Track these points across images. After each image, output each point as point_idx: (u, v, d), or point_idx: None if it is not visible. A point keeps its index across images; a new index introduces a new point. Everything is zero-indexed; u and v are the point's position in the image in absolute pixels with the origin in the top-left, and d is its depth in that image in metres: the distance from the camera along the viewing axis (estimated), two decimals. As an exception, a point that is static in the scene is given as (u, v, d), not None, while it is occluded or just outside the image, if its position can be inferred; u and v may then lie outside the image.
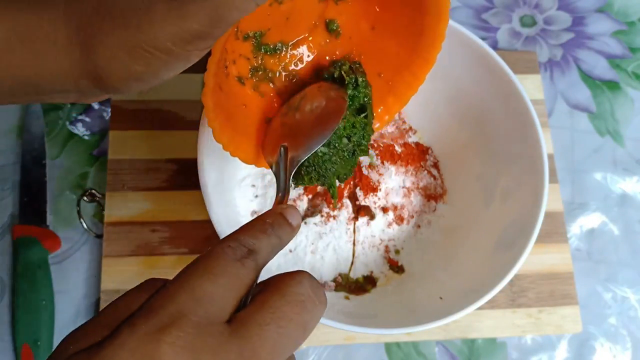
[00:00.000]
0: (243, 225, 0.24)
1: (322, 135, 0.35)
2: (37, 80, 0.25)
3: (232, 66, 0.35)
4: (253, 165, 0.44)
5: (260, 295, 0.21)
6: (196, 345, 0.19)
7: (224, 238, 0.23)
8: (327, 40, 0.38)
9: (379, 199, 0.47)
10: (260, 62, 0.36)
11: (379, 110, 0.39)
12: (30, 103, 0.26)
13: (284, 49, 0.37)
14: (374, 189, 0.47)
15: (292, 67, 0.38)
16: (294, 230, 0.25)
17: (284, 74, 0.38)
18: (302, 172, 0.38)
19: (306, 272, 0.23)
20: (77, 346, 0.19)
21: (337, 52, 0.38)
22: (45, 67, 0.24)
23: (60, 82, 0.25)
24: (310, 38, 0.38)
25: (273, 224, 0.24)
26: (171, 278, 0.21)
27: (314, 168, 0.38)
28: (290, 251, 0.45)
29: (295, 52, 0.38)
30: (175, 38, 0.23)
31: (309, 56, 0.38)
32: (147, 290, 0.21)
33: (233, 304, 0.21)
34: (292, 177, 0.38)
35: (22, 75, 0.24)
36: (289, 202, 0.33)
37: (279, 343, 0.20)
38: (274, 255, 0.23)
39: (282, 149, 0.33)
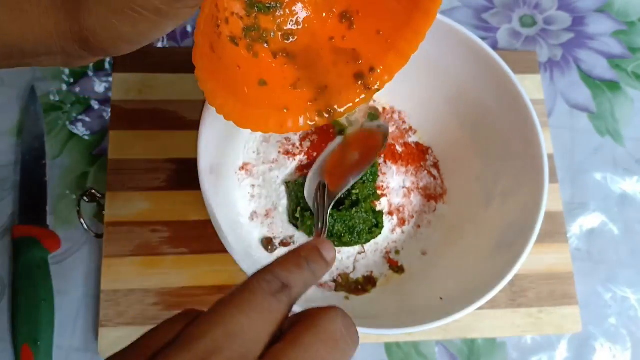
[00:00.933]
0: (278, 258, 0.23)
1: (358, 175, 0.40)
2: (21, 43, 0.24)
3: (224, 25, 0.33)
4: (252, 162, 0.45)
5: (293, 331, 0.21)
6: None
7: (259, 271, 0.22)
8: None
9: (384, 201, 0.48)
10: (254, 21, 0.35)
11: (378, 70, 0.38)
12: (16, 67, 0.25)
13: (278, 6, 0.36)
14: (381, 196, 0.47)
15: (288, 26, 0.37)
16: (328, 265, 0.24)
17: (279, 33, 0.37)
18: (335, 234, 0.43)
19: (339, 308, 0.22)
20: None
21: (335, 9, 0.37)
22: (28, 29, 0.23)
23: (45, 45, 0.24)
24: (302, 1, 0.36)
25: (308, 258, 0.23)
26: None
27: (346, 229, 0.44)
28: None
29: (290, 9, 0.37)
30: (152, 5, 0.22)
31: (305, 13, 0.37)
32: (182, 321, 0.21)
33: (266, 339, 0.20)
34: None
35: (5, 38, 0.24)
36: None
37: None
38: (307, 290, 0.23)
39: (320, 185, 0.37)
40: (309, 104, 0.37)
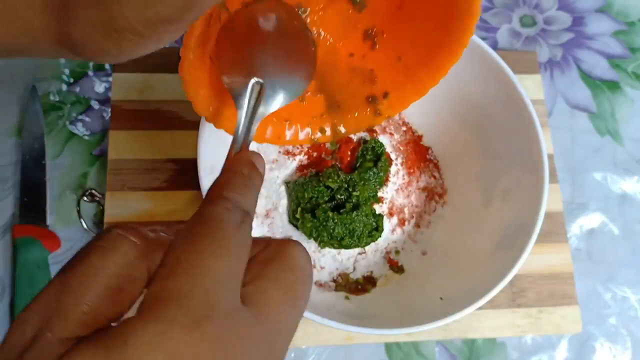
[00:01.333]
0: (222, 179, 0.22)
1: (299, 75, 0.31)
2: (12, 42, 0.23)
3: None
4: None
5: (269, 266, 0.19)
6: (231, 339, 0.16)
7: (213, 199, 0.20)
8: (350, 12, 0.35)
9: (384, 203, 0.48)
10: None
11: (392, 97, 0.37)
12: (3, 57, 0.25)
13: (306, 12, 0.34)
14: (381, 199, 0.47)
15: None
16: (262, 179, 0.23)
17: None
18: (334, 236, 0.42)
19: (299, 242, 0.21)
20: (55, 332, 0.16)
21: (360, 26, 0.36)
22: (21, 30, 0.23)
23: (37, 46, 0.24)
24: (326, 12, 0.35)
25: (250, 176, 0.22)
26: None
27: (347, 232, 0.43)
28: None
29: (317, 16, 0.35)
30: (143, 21, 0.21)
31: (330, 24, 0.35)
32: (121, 253, 0.18)
33: (242, 279, 0.19)
34: (318, 239, 0.42)
35: None
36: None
37: (294, 321, 0.19)
38: None
39: (254, 83, 0.29)
40: (314, 119, 0.36)
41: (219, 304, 0.16)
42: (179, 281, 0.17)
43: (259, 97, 0.29)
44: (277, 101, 0.30)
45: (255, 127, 0.28)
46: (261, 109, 0.29)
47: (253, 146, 0.47)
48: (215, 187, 0.21)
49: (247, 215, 0.20)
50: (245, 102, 0.29)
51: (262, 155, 0.46)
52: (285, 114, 0.35)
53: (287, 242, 0.21)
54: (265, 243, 0.21)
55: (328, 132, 0.37)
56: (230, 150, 0.26)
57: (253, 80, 0.29)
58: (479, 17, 0.31)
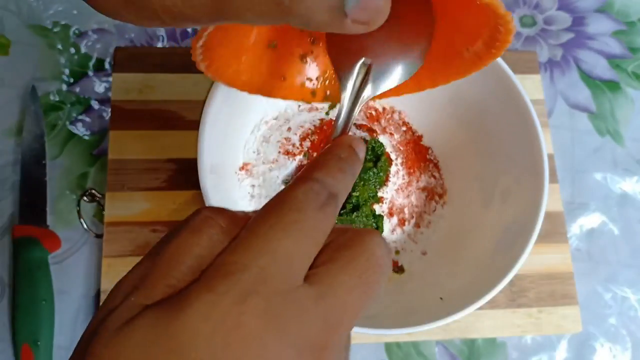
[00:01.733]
0: (317, 161, 0.21)
1: (409, 56, 0.28)
2: None
3: None
4: (252, 162, 0.45)
5: (343, 251, 0.19)
6: (282, 315, 0.17)
7: (302, 179, 0.20)
8: None
9: (384, 203, 0.48)
10: None
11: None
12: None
13: None
14: (381, 199, 0.47)
15: None
16: (361, 165, 0.23)
17: None
18: None
19: (380, 233, 0.21)
20: (140, 296, 0.17)
21: None
22: None
23: None
24: None
25: (348, 160, 0.21)
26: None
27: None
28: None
29: None
30: (165, 9, 0.20)
31: None
32: (208, 231, 0.18)
33: (313, 259, 0.19)
34: None
35: None
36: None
37: (359, 309, 0.19)
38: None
39: (362, 64, 0.27)
40: (309, 81, 0.35)
41: (272, 281, 0.17)
42: (238, 255, 0.17)
43: (366, 79, 0.27)
44: (386, 84, 0.28)
45: (358, 110, 0.27)
46: (366, 93, 0.27)
47: (254, 146, 0.47)
48: (307, 168, 0.21)
49: (333, 198, 0.20)
50: (350, 85, 0.27)
51: (262, 155, 0.47)
52: (282, 71, 0.34)
53: (366, 230, 0.20)
54: (344, 230, 0.20)
55: (319, 96, 0.36)
56: (332, 133, 0.25)
57: (360, 62, 0.28)
58: (502, 51, 0.29)
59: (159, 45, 0.54)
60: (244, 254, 0.17)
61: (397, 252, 0.47)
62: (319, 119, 0.48)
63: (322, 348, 0.17)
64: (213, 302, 0.16)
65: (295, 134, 0.47)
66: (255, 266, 0.17)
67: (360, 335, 0.46)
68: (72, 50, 0.53)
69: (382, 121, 0.50)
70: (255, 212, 0.20)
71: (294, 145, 0.47)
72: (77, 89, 0.52)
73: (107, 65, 0.53)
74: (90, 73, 0.53)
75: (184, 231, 0.19)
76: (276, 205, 0.19)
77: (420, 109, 0.50)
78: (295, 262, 0.18)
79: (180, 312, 0.16)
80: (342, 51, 0.28)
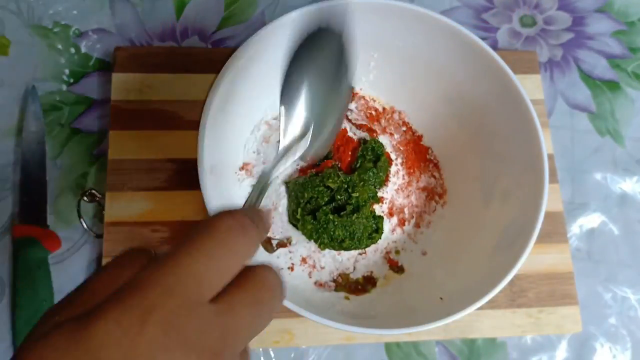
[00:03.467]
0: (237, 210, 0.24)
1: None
2: None
3: None
4: (252, 162, 0.45)
5: (243, 278, 0.22)
6: (184, 325, 0.19)
7: (224, 215, 0.23)
8: None
9: (384, 203, 0.48)
10: None
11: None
12: None
13: None
14: (381, 199, 0.47)
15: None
16: (266, 232, 0.26)
17: None
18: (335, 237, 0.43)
19: (272, 266, 0.24)
20: (63, 316, 0.20)
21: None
22: None
23: None
24: None
25: (260, 221, 0.25)
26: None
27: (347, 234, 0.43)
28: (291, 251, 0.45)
29: None
30: None
31: None
32: (131, 264, 0.22)
33: (224, 282, 0.22)
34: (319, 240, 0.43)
35: None
36: None
37: (255, 323, 0.22)
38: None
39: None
40: None
41: (178, 297, 0.20)
42: (149, 273, 0.20)
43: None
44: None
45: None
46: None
47: (254, 146, 0.47)
48: (232, 211, 0.24)
49: (251, 228, 0.23)
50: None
51: (262, 155, 0.47)
52: None
53: (262, 265, 0.24)
54: (249, 266, 0.24)
55: None
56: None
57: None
58: None
59: (159, 45, 0.54)
60: (155, 273, 0.20)
61: (397, 252, 0.47)
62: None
63: (218, 354, 0.20)
64: (122, 312, 0.19)
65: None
66: (163, 284, 0.20)
67: (360, 335, 0.46)
68: (72, 50, 0.53)
69: (382, 121, 0.50)
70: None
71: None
72: (77, 89, 0.52)
73: (107, 65, 0.53)
74: (90, 73, 0.52)
75: (110, 265, 0.22)
76: (193, 234, 0.22)
77: (420, 109, 0.50)
78: (203, 283, 0.21)
79: (94, 320, 0.18)
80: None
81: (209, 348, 0.20)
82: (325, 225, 0.43)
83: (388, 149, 0.49)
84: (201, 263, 0.21)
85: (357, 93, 0.50)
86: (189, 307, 0.20)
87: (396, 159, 0.49)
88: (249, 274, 0.23)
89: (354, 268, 0.46)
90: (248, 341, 0.22)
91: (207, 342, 0.20)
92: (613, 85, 0.59)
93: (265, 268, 0.24)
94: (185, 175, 0.48)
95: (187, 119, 0.50)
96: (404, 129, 0.51)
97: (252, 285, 0.22)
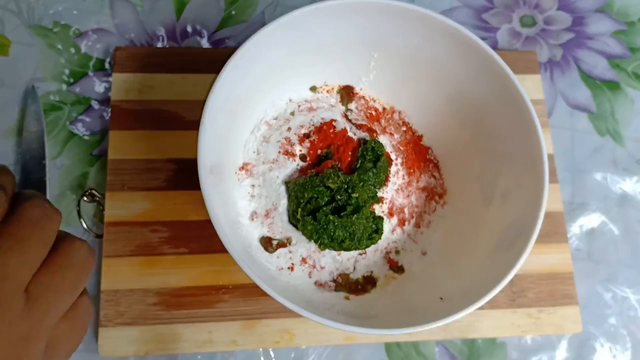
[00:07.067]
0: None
1: None
2: None
3: None
4: (252, 162, 0.46)
5: (49, 260, 0.25)
6: None
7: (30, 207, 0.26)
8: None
9: (384, 203, 0.48)
10: None
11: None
12: None
13: None
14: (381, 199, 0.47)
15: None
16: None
17: None
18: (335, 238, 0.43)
19: (85, 241, 0.27)
20: None
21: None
22: None
23: None
24: None
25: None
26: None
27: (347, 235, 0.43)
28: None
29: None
30: None
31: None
32: None
33: (34, 269, 0.24)
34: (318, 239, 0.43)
35: None
36: None
37: (66, 301, 0.25)
38: None
39: None
40: None
41: None
42: None
43: None
44: None
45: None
46: None
47: (254, 146, 0.47)
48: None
49: (41, 224, 0.25)
50: None
51: (262, 155, 0.47)
52: None
53: (72, 238, 0.27)
54: (57, 242, 0.26)
55: None
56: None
57: None
58: None
59: (159, 45, 0.54)
60: None
61: (397, 252, 0.47)
62: (320, 119, 0.48)
63: (29, 338, 0.23)
64: None
65: (295, 134, 0.47)
66: None
67: (360, 335, 0.46)
68: (72, 50, 0.53)
69: (382, 121, 0.50)
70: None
71: (293, 145, 0.47)
72: (77, 89, 0.52)
73: (107, 65, 0.53)
74: (90, 73, 0.53)
75: None
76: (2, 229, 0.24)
77: (420, 109, 0.50)
78: (10, 277, 0.23)
79: None
80: None
81: (21, 334, 0.23)
82: (325, 226, 0.43)
83: (388, 149, 0.49)
84: (10, 257, 0.23)
85: (357, 93, 0.50)
86: (1, 302, 0.22)
87: (396, 159, 0.49)
88: (55, 257, 0.25)
89: (354, 268, 0.46)
90: (62, 312, 0.25)
91: (18, 330, 0.23)
92: (613, 85, 0.59)
93: (71, 240, 0.26)
94: (185, 175, 0.48)
95: (187, 119, 0.50)
96: (404, 129, 0.51)
97: (58, 264, 0.25)
